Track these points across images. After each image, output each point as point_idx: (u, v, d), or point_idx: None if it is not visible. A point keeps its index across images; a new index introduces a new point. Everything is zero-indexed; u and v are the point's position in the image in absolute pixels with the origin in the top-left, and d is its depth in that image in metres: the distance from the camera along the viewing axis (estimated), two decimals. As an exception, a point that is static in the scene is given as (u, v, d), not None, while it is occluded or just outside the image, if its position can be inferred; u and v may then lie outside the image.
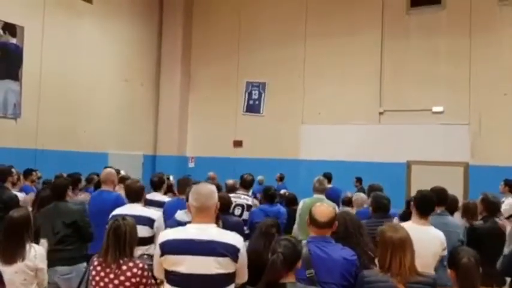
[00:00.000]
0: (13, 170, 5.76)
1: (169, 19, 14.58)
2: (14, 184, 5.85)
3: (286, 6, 13.46)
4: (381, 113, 12.22)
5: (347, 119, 12.44)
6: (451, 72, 11.39)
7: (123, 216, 3.20)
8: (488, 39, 11.14)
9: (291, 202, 6.71)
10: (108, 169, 5.35)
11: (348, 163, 11.60)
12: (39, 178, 8.11)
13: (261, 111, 13.89)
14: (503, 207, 6.13)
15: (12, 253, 3.28)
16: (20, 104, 10.17)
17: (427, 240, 3.54)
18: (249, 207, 5.94)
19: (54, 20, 10.91)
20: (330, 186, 7.46)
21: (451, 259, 2.73)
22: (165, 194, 6.10)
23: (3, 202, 5.08)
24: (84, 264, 4.28)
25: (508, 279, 4.18)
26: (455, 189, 7.73)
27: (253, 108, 13.96)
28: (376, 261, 2.95)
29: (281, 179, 11.66)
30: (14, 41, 10.10)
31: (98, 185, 6.19)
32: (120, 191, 5.38)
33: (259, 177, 10.68)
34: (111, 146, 12.28)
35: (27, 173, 7.52)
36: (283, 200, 6.98)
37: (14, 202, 5.18)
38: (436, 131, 11.34)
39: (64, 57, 11.16)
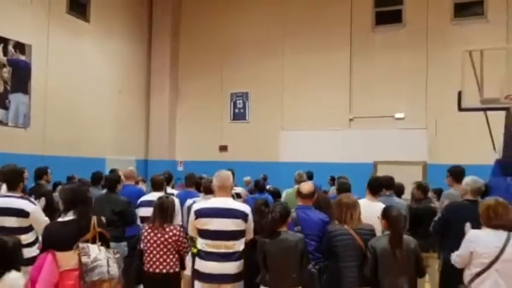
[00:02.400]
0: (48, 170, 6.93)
1: (158, 38, 15.78)
2: (47, 182, 7.04)
3: (266, 26, 14.67)
4: (350, 120, 13.65)
5: (321, 125, 13.74)
6: (411, 83, 12.85)
7: (167, 195, 4.52)
8: (442, 53, 12.55)
9: (276, 195, 8.04)
10: (131, 168, 6.61)
11: (323, 164, 12.64)
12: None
13: (247, 118, 15.11)
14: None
15: None
16: (29, 115, 11.27)
17: (376, 211, 4.89)
18: (238, 195, 7.08)
19: (57, 39, 11.94)
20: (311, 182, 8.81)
21: (384, 213, 4.02)
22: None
23: (42, 195, 6.30)
24: (125, 243, 5.46)
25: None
26: (415, 185, 9.12)
27: (239, 116, 15.19)
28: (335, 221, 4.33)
29: (265, 179, 12.86)
30: (23, 58, 11.12)
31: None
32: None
33: (246, 178, 11.74)
34: (108, 151, 13.34)
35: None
36: (269, 193, 8.31)
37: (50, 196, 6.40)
38: (398, 135, 12.76)
39: (67, 72, 12.19)
